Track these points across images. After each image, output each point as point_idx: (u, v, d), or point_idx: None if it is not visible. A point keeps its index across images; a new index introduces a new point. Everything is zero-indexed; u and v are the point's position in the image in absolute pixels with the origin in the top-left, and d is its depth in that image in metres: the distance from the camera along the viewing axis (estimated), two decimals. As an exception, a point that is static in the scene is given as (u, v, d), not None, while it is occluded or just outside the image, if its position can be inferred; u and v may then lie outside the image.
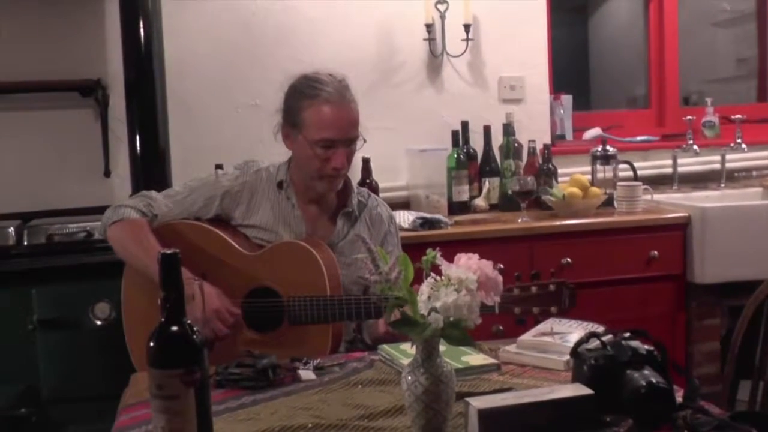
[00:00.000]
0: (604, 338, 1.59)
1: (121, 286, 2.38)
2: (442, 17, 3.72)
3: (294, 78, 2.34)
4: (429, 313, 1.40)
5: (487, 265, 1.45)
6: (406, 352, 1.86)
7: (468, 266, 1.43)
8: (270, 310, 2.22)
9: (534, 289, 1.94)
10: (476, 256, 1.46)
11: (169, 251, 1.27)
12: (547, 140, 3.84)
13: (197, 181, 2.42)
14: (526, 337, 1.95)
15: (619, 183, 3.61)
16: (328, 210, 2.41)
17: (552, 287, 1.93)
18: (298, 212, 2.35)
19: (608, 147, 3.70)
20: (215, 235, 2.31)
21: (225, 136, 3.57)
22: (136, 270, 2.29)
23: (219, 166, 3.07)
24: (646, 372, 1.50)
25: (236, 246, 2.29)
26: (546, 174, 3.65)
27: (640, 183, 3.59)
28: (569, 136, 4.03)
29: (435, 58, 3.79)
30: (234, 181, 2.38)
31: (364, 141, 2.32)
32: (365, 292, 2.28)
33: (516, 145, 3.70)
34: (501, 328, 2.90)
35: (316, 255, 2.21)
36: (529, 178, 3.40)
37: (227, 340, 2.17)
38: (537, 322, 1.99)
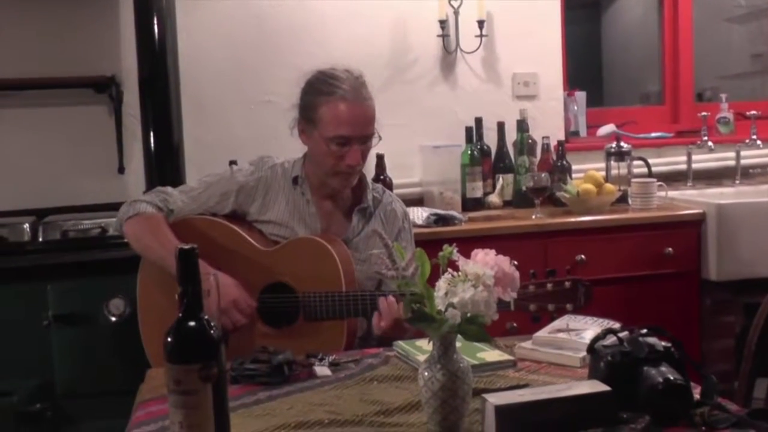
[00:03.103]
0: (621, 334, 1.58)
1: (137, 281, 2.39)
2: (456, 13, 3.71)
3: (310, 73, 2.34)
4: (446, 309, 1.40)
5: (504, 261, 1.44)
6: (421, 349, 1.86)
7: (485, 262, 1.43)
8: (285, 306, 2.22)
9: (549, 286, 1.93)
10: (493, 251, 1.46)
11: (186, 246, 1.27)
12: (561, 137, 3.83)
13: (213, 176, 2.42)
14: (542, 333, 1.94)
15: (634, 179, 3.59)
16: (343, 206, 2.41)
17: (567, 284, 1.92)
18: (313, 208, 2.36)
19: (622, 143, 3.69)
20: (231, 231, 2.31)
21: (238, 133, 3.58)
22: (152, 264, 2.30)
23: (233, 162, 3.08)
24: (663, 368, 1.49)
25: (252, 241, 2.30)
26: (560, 170, 3.64)
27: (654, 179, 3.57)
28: (583, 132, 4.02)
29: (449, 55, 3.79)
30: (249, 176, 2.38)
31: (380, 138, 2.32)
32: (378, 287, 2.28)
33: (530, 141, 3.69)
34: (515, 325, 2.89)
35: (331, 251, 2.21)
36: (543, 175, 3.39)
37: (243, 336, 2.17)
38: (552, 319, 1.99)
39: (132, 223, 2.33)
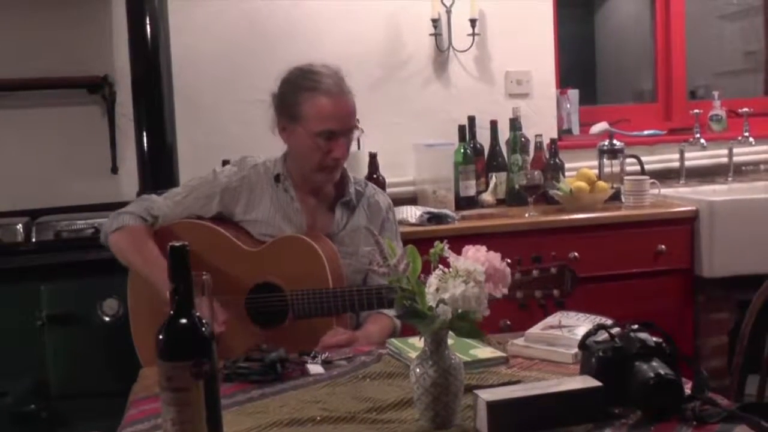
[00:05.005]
0: (613, 330, 1.59)
1: (128, 282, 2.39)
2: (448, 12, 3.72)
3: (287, 72, 2.34)
4: (437, 305, 1.40)
5: (494, 257, 1.45)
6: (414, 346, 1.86)
7: (476, 258, 1.44)
8: (274, 305, 2.22)
9: (535, 272, 1.91)
10: (484, 248, 1.46)
11: (177, 243, 1.27)
12: (554, 135, 3.84)
13: (196, 180, 2.43)
14: (534, 330, 1.94)
15: (626, 177, 3.60)
16: (326, 201, 2.41)
17: (554, 270, 1.90)
18: (297, 204, 2.36)
19: (615, 141, 3.69)
20: (216, 233, 2.31)
21: (232, 132, 3.57)
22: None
23: (226, 162, 3.08)
24: (654, 364, 1.50)
25: (238, 242, 2.30)
26: (553, 168, 3.64)
27: (647, 177, 3.58)
28: (576, 130, 4.03)
29: (441, 53, 3.79)
30: (232, 177, 2.39)
31: (362, 131, 2.36)
32: (365, 281, 2.28)
33: (523, 139, 3.69)
34: (508, 322, 2.90)
35: (317, 248, 2.22)
36: (536, 173, 3.39)
37: (233, 337, 2.16)
38: (540, 305, 1.95)
39: (116, 237, 2.33)
